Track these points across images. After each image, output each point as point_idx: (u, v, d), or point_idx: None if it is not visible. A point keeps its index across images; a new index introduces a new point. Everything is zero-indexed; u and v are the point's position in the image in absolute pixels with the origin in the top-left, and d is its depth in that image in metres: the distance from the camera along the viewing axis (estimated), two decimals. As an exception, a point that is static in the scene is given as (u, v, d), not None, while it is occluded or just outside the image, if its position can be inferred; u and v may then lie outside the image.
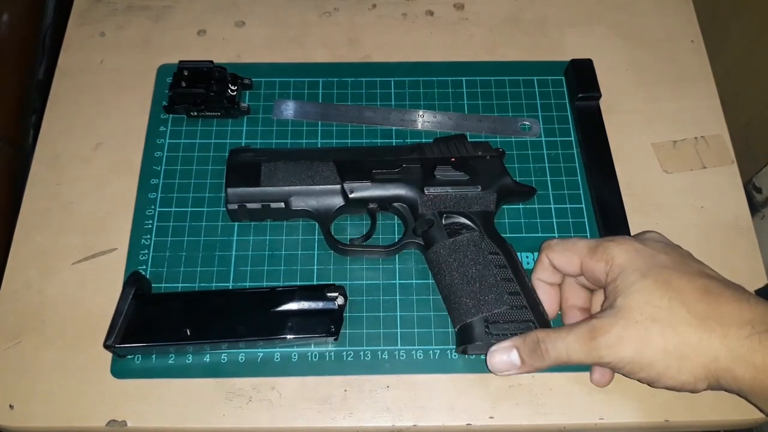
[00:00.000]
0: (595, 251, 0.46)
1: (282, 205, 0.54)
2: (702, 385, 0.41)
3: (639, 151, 0.61)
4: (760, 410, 0.42)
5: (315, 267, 0.55)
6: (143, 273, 0.54)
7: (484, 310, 0.48)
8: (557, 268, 0.49)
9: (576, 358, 0.44)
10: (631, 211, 0.58)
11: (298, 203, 0.54)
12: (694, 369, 0.41)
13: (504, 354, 0.46)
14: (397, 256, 0.56)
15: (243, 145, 0.61)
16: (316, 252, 0.56)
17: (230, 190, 0.53)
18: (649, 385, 0.44)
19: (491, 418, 0.50)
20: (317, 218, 0.54)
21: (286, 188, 0.54)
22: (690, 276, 0.43)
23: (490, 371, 0.47)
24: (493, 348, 0.47)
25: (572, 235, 0.57)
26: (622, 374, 0.44)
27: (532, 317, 0.48)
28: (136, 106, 0.63)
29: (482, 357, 0.51)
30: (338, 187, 0.54)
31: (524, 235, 0.57)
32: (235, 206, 0.54)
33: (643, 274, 0.43)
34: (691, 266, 0.44)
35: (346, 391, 0.51)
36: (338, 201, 0.54)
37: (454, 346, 0.52)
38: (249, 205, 0.54)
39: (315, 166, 0.54)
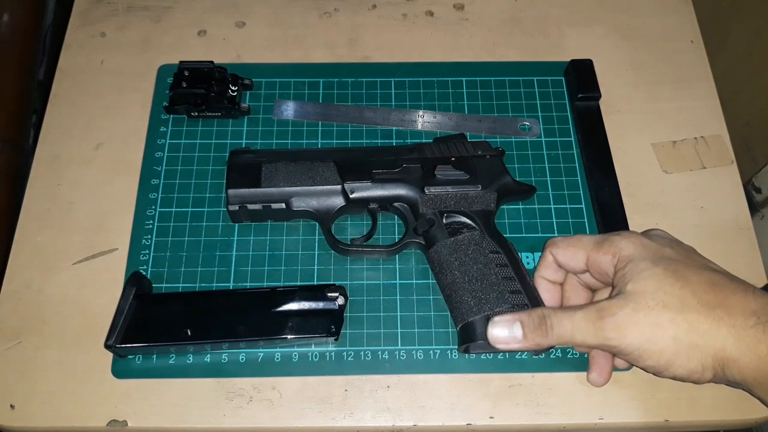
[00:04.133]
0: (601, 245, 0.47)
1: (283, 205, 0.54)
2: (708, 375, 0.42)
3: (639, 151, 0.62)
4: (763, 402, 0.42)
5: (315, 267, 0.55)
6: (144, 273, 0.54)
7: (486, 309, 0.48)
8: (561, 264, 0.50)
9: (581, 338, 0.43)
10: (631, 211, 0.58)
11: (299, 204, 0.54)
12: (702, 358, 0.41)
13: (506, 326, 0.46)
14: (397, 255, 0.56)
15: (243, 145, 0.61)
16: (316, 252, 0.56)
17: (231, 192, 0.53)
18: (655, 374, 0.44)
19: (491, 418, 0.50)
20: (318, 219, 0.54)
21: (287, 189, 0.54)
22: (697, 268, 0.44)
23: (490, 352, 0.48)
24: (496, 318, 0.47)
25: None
26: (628, 360, 0.44)
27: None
28: (137, 107, 0.63)
29: (483, 357, 0.52)
30: (339, 187, 0.54)
31: (524, 235, 0.57)
32: (236, 207, 0.54)
33: (653, 262, 0.44)
34: (696, 260, 0.45)
35: (346, 391, 0.51)
36: (339, 201, 0.54)
37: (455, 346, 0.52)
38: (250, 207, 0.54)
39: (315, 166, 0.54)
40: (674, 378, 0.43)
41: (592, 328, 0.43)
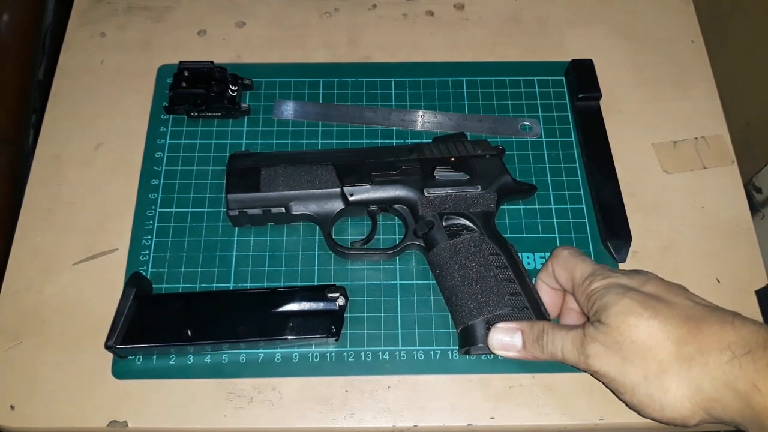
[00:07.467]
0: (583, 282, 0.45)
1: (282, 210, 0.54)
2: (692, 421, 0.39)
3: (639, 152, 0.62)
4: None
5: (316, 267, 0.55)
6: (144, 273, 0.54)
7: (486, 312, 0.48)
8: (557, 279, 0.49)
9: (568, 358, 0.44)
10: (631, 211, 0.58)
11: (298, 208, 0.54)
12: (677, 403, 0.39)
13: (507, 334, 0.46)
14: (397, 256, 0.56)
15: (244, 145, 0.61)
16: (316, 252, 0.56)
17: (231, 197, 0.53)
18: (638, 413, 0.42)
19: (492, 418, 0.50)
20: (318, 222, 0.54)
21: (286, 193, 0.53)
22: (673, 304, 0.41)
23: (490, 354, 0.48)
24: (499, 325, 0.47)
25: (572, 235, 0.57)
26: (610, 390, 0.43)
27: (533, 318, 0.48)
28: (137, 107, 0.63)
29: (483, 357, 0.52)
30: (338, 190, 0.54)
31: (525, 235, 0.57)
32: (236, 212, 0.54)
33: (620, 294, 0.42)
34: (677, 295, 0.42)
35: (347, 391, 0.51)
36: (338, 204, 0.54)
37: (456, 347, 0.52)
38: (250, 211, 0.53)
39: (314, 170, 0.54)
40: (656, 420, 0.41)
41: (576, 351, 0.43)
